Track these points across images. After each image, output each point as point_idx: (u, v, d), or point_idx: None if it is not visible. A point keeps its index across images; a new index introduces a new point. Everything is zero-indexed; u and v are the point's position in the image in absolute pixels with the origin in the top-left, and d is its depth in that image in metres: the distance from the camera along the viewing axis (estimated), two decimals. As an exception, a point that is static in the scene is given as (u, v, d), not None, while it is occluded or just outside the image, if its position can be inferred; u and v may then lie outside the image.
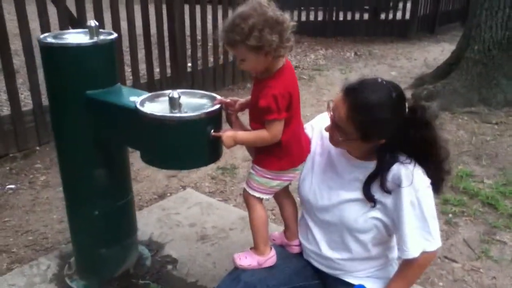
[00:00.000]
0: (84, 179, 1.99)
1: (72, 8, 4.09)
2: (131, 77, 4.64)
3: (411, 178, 1.47)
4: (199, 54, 5.28)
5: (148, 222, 2.74)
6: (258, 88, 1.56)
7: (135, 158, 2.28)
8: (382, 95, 1.43)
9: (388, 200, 1.53)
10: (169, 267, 2.35)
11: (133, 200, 2.21)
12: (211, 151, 1.66)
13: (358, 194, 1.57)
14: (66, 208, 2.14)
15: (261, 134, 1.57)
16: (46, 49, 1.84)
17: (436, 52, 7.57)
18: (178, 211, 2.87)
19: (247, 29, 1.42)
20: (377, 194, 1.54)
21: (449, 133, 4.25)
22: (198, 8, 5.07)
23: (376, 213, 1.56)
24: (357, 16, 8.91)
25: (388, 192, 1.51)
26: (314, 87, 5.77)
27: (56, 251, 2.48)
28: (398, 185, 1.49)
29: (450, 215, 2.94)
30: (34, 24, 3.77)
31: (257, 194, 1.68)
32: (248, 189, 1.69)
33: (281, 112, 1.51)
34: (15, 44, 4.00)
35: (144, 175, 3.49)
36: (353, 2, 8.72)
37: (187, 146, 1.61)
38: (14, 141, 3.67)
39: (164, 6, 4.75)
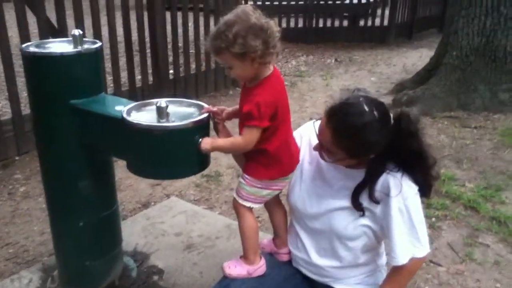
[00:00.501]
0: (69, 189, 1.95)
1: (52, 14, 4.03)
2: (112, 85, 4.59)
3: (400, 187, 1.48)
4: (181, 61, 5.26)
5: (132, 232, 2.70)
6: (245, 96, 1.57)
7: (117, 167, 2.24)
8: (366, 117, 1.42)
9: (376, 208, 1.54)
10: (155, 277, 2.32)
11: (118, 210, 2.17)
12: (199, 160, 1.65)
13: (347, 202, 1.58)
14: (49, 219, 2.09)
15: (235, 141, 1.57)
16: (29, 58, 1.80)
17: (415, 58, 7.70)
18: (163, 220, 2.84)
19: (231, 36, 1.42)
20: (366, 202, 1.55)
21: (430, 138, 4.31)
22: (179, 15, 5.06)
23: (365, 220, 1.57)
24: (336, 23, 9.01)
25: (376, 202, 1.53)
26: (297, 93, 5.80)
27: (38, 264, 2.42)
28: (387, 194, 1.50)
29: (434, 219, 2.98)
30: (11, 31, 3.70)
31: (247, 204, 1.67)
32: (238, 198, 1.68)
33: (262, 120, 1.49)
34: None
35: (127, 184, 3.45)
36: (332, 9, 8.82)
37: (175, 156, 1.59)
38: (-8, 151, 3.59)
39: (145, 14, 4.72)
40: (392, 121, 1.47)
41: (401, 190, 1.48)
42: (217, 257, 2.45)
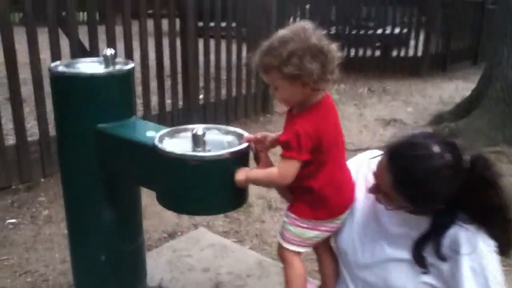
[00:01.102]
0: (91, 219, 1.81)
1: (85, 37, 4.00)
2: (141, 109, 4.51)
3: (474, 243, 1.26)
4: (212, 87, 5.17)
5: (157, 265, 2.52)
6: (288, 123, 1.41)
7: (142, 193, 2.09)
8: (435, 161, 1.21)
9: (444, 265, 1.31)
10: (180, 319, 2.13)
11: (144, 244, 2.01)
12: (236, 195, 1.48)
13: (406, 253, 1.36)
14: (69, 250, 1.94)
15: (271, 172, 1.39)
16: (57, 78, 1.69)
17: (450, 89, 7.44)
18: (190, 253, 2.66)
19: (285, 54, 1.26)
20: (430, 257, 1.32)
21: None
22: (212, 43, 5.02)
23: (429, 278, 1.34)
24: (368, 52, 8.86)
25: (443, 259, 1.30)
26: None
27: (56, 297, 2.27)
28: (457, 251, 1.27)
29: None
30: (44, 54, 3.67)
31: (291, 247, 1.48)
32: (282, 242, 1.50)
33: (302, 152, 1.32)
34: (24, 73, 3.89)
35: (152, 212, 3.29)
36: (364, 39, 8.69)
37: (210, 190, 1.42)
38: (17, 172, 3.50)
39: (178, 40, 4.68)
40: (466, 165, 1.26)
41: (476, 247, 1.25)
42: (248, 299, 2.25)
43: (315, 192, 1.41)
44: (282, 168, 1.36)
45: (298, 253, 1.49)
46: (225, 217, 3.27)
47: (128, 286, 1.95)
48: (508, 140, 4.61)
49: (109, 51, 1.73)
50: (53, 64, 1.75)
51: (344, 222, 1.52)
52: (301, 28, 1.30)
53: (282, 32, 1.31)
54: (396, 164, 1.26)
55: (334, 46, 1.32)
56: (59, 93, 1.72)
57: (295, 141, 1.31)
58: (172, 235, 3.01)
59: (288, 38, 1.28)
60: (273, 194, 3.55)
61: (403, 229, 1.40)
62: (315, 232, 1.47)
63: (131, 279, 1.95)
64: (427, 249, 1.33)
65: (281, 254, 1.52)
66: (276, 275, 2.43)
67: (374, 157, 1.42)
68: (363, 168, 1.57)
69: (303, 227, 1.46)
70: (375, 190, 1.37)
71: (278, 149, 1.46)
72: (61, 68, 1.72)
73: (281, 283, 2.35)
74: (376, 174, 1.33)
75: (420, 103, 6.52)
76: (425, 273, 1.34)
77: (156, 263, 2.53)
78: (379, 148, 1.47)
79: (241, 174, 1.40)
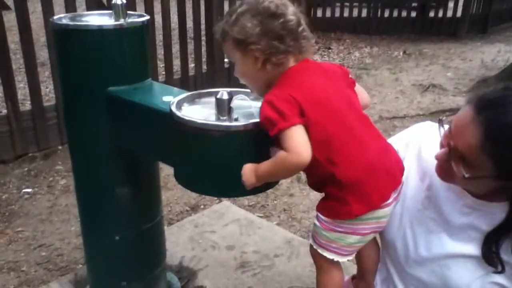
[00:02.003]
0: (103, 197, 1.60)
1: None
2: (163, 73, 4.28)
3: None
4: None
5: (178, 242, 2.34)
6: None
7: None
8: None
9: None
10: (203, 302, 1.94)
11: (162, 223, 1.80)
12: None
13: (472, 248, 1.11)
14: (81, 231, 1.75)
15: (280, 156, 1.07)
16: (60, 32, 1.45)
17: (492, 53, 6.93)
18: (213, 229, 2.46)
19: (234, 16, 1.10)
20: (505, 254, 1.08)
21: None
22: (237, 2, 4.68)
23: (499, 277, 1.10)
24: (403, 13, 8.34)
25: None
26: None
27: (70, 274, 2.10)
28: None
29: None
30: (58, 7, 3.44)
31: (329, 256, 1.19)
32: (315, 246, 1.22)
33: (286, 117, 1.03)
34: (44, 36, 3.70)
35: (174, 183, 3.08)
36: (399, -1, 8.18)
37: (236, 167, 1.17)
38: (34, 139, 3.34)
39: (202, 1, 4.38)
40: None
41: None
42: (277, 282, 2.05)
43: (338, 180, 1.09)
44: (287, 143, 1.05)
45: (337, 262, 1.21)
46: (252, 190, 3.06)
47: (145, 268, 1.75)
48: None
49: (119, 1, 1.46)
50: (56, 17, 1.50)
51: (393, 211, 1.22)
52: None
53: None
54: (489, 114, 0.98)
55: (291, 9, 1.12)
56: (62, 49, 1.47)
57: (271, 110, 1.05)
58: (194, 209, 2.83)
59: (243, 2, 1.15)
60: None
61: (468, 219, 1.14)
62: (356, 237, 1.16)
63: (148, 261, 1.75)
64: (501, 244, 1.08)
65: (315, 259, 1.25)
66: (307, 255, 2.17)
67: (436, 122, 1.15)
68: (415, 138, 1.30)
69: (338, 231, 1.16)
70: (447, 155, 1.07)
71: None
72: (65, 21, 1.48)
73: (313, 265, 2.14)
74: (455, 131, 1.05)
75: (460, 68, 6.08)
76: (497, 272, 1.09)
77: (177, 239, 2.35)
78: (421, 118, 1.19)
79: (249, 175, 1.12)
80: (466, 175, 1.03)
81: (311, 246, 1.24)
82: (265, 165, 1.10)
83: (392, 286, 1.30)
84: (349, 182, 1.09)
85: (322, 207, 1.18)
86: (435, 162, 1.15)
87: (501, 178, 1.01)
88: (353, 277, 1.47)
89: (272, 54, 1.10)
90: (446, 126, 1.10)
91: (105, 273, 1.74)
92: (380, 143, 1.18)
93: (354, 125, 1.12)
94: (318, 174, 1.13)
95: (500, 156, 0.98)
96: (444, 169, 1.10)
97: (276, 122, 1.03)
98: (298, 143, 1.04)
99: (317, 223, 1.19)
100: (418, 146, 1.28)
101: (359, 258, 1.36)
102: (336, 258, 1.19)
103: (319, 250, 1.20)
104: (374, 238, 1.31)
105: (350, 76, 1.23)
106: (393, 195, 1.16)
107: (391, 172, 1.16)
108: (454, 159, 1.05)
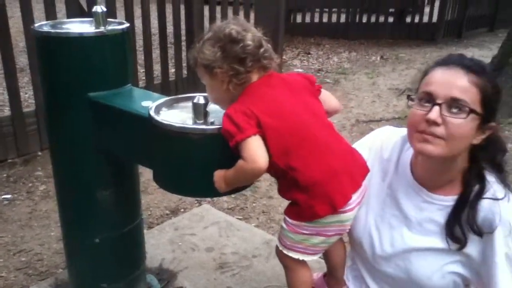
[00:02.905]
0: (84, 199, 1.63)
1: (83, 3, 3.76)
2: (144, 78, 4.30)
3: (509, 218, 1.12)
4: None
5: (158, 244, 2.37)
6: None
7: (144, 167, 1.91)
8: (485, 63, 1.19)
9: (473, 248, 1.16)
10: (183, 303, 1.98)
11: (142, 225, 1.84)
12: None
13: (432, 240, 1.20)
14: (62, 233, 1.78)
15: (238, 164, 1.15)
16: (41, 39, 1.49)
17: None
18: (193, 232, 2.50)
19: (200, 44, 1.20)
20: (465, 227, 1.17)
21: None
22: (218, 9, 4.74)
23: (456, 266, 1.19)
24: (381, 18, 8.51)
25: (478, 233, 1.13)
26: (340, 91, 5.36)
27: (50, 278, 2.12)
28: (490, 229, 1.12)
29: None
30: (37, 13, 3.44)
31: (294, 255, 1.27)
32: (281, 248, 1.30)
33: (243, 129, 1.11)
34: (23, 42, 3.69)
35: (154, 187, 3.12)
36: (378, 4, 8.32)
37: (214, 168, 1.22)
38: (13, 145, 3.33)
39: (182, 7, 4.42)
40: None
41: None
42: (255, 281, 2.10)
43: (301, 184, 1.17)
44: (243, 153, 1.12)
45: (303, 261, 1.28)
46: (232, 193, 3.10)
47: (125, 270, 1.79)
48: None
49: (100, 9, 1.51)
50: (37, 24, 1.54)
51: (360, 211, 1.30)
52: (225, 21, 1.24)
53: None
54: (463, 64, 1.13)
55: (250, 35, 1.19)
56: (44, 56, 1.51)
57: (229, 124, 1.13)
58: (174, 212, 2.86)
59: (209, 30, 1.24)
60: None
61: (425, 213, 1.22)
62: (320, 238, 1.24)
63: (128, 263, 1.79)
64: (456, 229, 1.17)
65: (282, 260, 1.32)
66: (286, 256, 2.27)
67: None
68: (377, 141, 1.38)
69: (304, 234, 1.23)
70: (438, 112, 1.10)
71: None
72: (46, 28, 1.51)
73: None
74: (441, 89, 1.11)
75: (435, 72, 6.24)
76: (459, 249, 1.17)
77: (157, 242, 2.38)
78: (396, 121, 1.30)
79: (218, 182, 1.20)
80: (466, 115, 1.09)
81: (277, 247, 1.32)
82: (230, 172, 1.18)
83: (364, 283, 1.37)
84: (310, 184, 1.17)
85: (289, 211, 1.25)
86: (395, 161, 1.30)
87: (484, 106, 1.11)
88: (325, 274, 1.53)
89: (233, 76, 1.18)
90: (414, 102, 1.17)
91: (85, 275, 1.77)
92: (344, 148, 1.26)
93: (317, 133, 1.19)
94: (284, 181, 1.21)
95: (484, 85, 1.10)
96: (430, 138, 1.12)
97: (234, 135, 1.11)
98: (254, 152, 1.12)
99: (284, 225, 1.27)
100: (380, 149, 1.36)
101: (326, 255, 1.43)
102: (301, 257, 1.27)
103: (285, 251, 1.28)
104: (341, 238, 1.39)
105: (315, 83, 1.30)
106: (356, 200, 1.23)
107: (353, 174, 1.23)
108: (448, 108, 1.10)
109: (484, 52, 7.32)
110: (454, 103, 1.09)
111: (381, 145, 1.37)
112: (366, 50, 7.47)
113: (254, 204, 2.98)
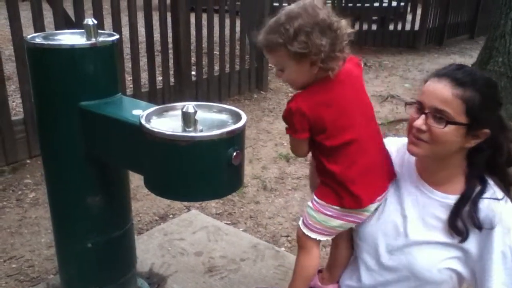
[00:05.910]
0: (75, 205, 1.68)
1: (70, 12, 3.80)
2: (131, 86, 4.34)
3: (509, 219, 1.20)
4: (204, 62, 5.00)
5: (148, 249, 2.42)
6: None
7: (133, 175, 1.97)
8: (484, 74, 1.27)
9: (472, 244, 1.24)
10: (173, 306, 2.03)
11: (132, 230, 1.89)
12: (231, 178, 1.35)
13: (433, 234, 1.29)
14: (54, 238, 1.82)
15: (289, 141, 1.39)
16: (34, 50, 1.54)
17: (447, 64, 7.25)
18: (182, 237, 2.55)
19: (292, 30, 1.16)
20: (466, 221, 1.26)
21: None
22: (205, 16, 4.80)
23: (453, 263, 1.27)
24: (364, 26, 8.65)
25: (478, 227, 1.22)
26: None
27: (42, 284, 2.16)
28: (489, 227, 1.21)
29: None
30: (29, 30, 3.47)
31: (313, 235, 1.38)
32: (303, 228, 1.40)
33: (296, 131, 1.26)
34: (10, 49, 3.70)
35: (143, 194, 3.17)
36: (361, 12, 8.47)
37: (202, 174, 1.29)
38: (2, 153, 3.35)
39: (169, 14, 4.48)
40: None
41: (510, 225, 1.19)
42: (243, 284, 2.16)
43: (336, 177, 1.30)
44: (290, 142, 1.37)
45: (318, 241, 1.39)
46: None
47: (116, 273, 1.83)
48: (511, 116, 4.51)
49: (91, 21, 1.57)
50: (29, 36, 1.60)
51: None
52: (309, 4, 1.21)
53: (289, 8, 1.22)
54: (448, 75, 1.21)
55: (344, 22, 1.23)
56: (36, 67, 1.57)
57: (289, 118, 1.27)
58: (163, 218, 2.90)
59: (295, 13, 1.19)
60: (268, 174, 3.44)
61: (431, 209, 1.31)
62: (339, 221, 1.36)
63: (120, 266, 1.84)
64: (464, 216, 1.26)
65: (301, 241, 1.42)
66: (272, 258, 2.34)
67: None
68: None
69: (327, 215, 1.35)
70: (424, 119, 1.23)
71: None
72: (38, 40, 1.57)
73: (277, 266, 2.27)
74: (426, 96, 1.23)
75: (417, 79, 6.37)
76: (462, 241, 1.25)
77: (147, 247, 2.43)
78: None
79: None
80: (444, 125, 1.19)
81: (299, 228, 1.42)
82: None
83: (356, 277, 1.45)
84: (344, 181, 1.30)
85: (319, 191, 1.37)
86: (400, 162, 1.40)
87: (470, 127, 1.19)
88: (319, 271, 1.61)
89: (327, 62, 1.20)
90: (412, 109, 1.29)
91: (77, 279, 1.81)
92: (382, 153, 1.38)
93: (363, 135, 1.30)
94: (323, 166, 1.33)
95: (469, 97, 1.17)
96: (416, 141, 1.26)
97: (289, 127, 1.30)
98: (297, 147, 1.36)
99: (310, 204, 1.39)
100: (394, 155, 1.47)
101: (334, 253, 1.54)
102: (318, 237, 1.37)
103: (306, 231, 1.38)
104: (351, 240, 1.51)
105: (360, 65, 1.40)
106: (379, 198, 1.37)
107: (383, 179, 1.37)
108: (433, 118, 1.21)
109: (465, 59, 7.50)
110: (437, 113, 1.20)
111: (390, 150, 1.46)
112: (350, 57, 7.60)
113: (241, 209, 3.04)
